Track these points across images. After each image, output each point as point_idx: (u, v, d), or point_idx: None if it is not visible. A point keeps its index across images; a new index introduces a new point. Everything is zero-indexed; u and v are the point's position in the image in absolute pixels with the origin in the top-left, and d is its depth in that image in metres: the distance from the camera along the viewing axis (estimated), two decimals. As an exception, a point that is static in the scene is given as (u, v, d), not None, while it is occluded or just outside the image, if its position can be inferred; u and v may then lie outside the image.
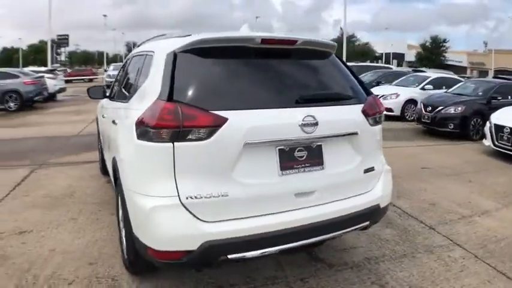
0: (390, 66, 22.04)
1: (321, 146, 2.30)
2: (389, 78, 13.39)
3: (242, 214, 2.09)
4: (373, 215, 2.52)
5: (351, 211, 2.36)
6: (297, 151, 2.22)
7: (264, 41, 2.28)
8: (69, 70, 43.16)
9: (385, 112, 9.76)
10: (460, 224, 3.63)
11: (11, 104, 13.02)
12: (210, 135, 2.01)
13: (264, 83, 2.30)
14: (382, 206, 2.56)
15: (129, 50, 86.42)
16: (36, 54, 64.84)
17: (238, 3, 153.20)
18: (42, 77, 14.79)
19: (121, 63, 26.58)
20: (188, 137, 2.00)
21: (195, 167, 2.03)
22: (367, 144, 2.51)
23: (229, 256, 2.06)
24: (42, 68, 21.92)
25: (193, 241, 2.00)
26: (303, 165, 2.24)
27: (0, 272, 2.74)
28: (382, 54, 53.02)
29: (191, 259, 2.03)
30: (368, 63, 20.97)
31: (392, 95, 11.05)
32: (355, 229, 2.48)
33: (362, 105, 2.50)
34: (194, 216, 2.01)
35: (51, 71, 18.62)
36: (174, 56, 2.21)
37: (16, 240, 3.23)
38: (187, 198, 2.00)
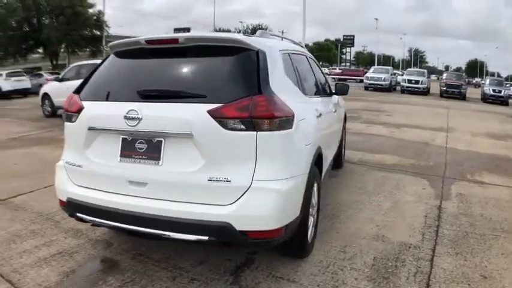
0: None
1: (161, 141, 2.28)
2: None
3: (90, 185, 2.49)
4: (216, 232, 2.12)
5: (183, 216, 2.14)
6: (138, 143, 2.32)
7: (148, 42, 2.50)
8: (337, 69, 46.40)
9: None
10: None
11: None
12: (76, 119, 2.55)
13: (129, 79, 2.53)
14: (238, 228, 2.09)
15: (410, 56, 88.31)
16: (319, 52, 73.82)
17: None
18: None
19: (386, 67, 25.93)
20: (71, 120, 2.60)
21: (71, 142, 2.65)
22: (215, 149, 2.16)
23: (77, 214, 2.53)
24: None
25: (64, 195, 2.59)
26: (140, 157, 2.31)
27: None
28: None
29: (67, 210, 2.64)
30: None
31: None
32: (192, 240, 2.20)
33: (212, 105, 2.15)
34: (68, 176, 2.60)
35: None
36: (107, 57, 2.77)
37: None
38: (66, 162, 2.64)
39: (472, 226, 3.59)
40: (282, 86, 2.42)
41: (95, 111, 2.48)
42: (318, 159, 2.83)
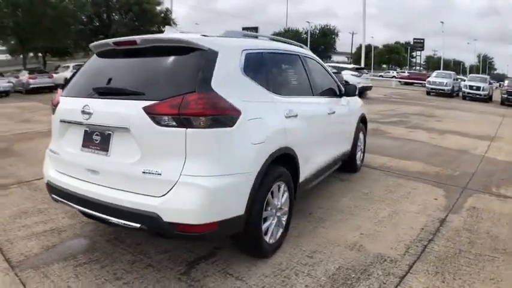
0: None
1: (110, 134, 2.46)
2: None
3: (63, 171, 2.76)
4: (146, 222, 2.25)
5: (121, 204, 2.31)
6: (95, 135, 2.54)
7: (115, 43, 2.71)
8: (406, 73, 44.57)
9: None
10: None
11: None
12: (55, 112, 2.85)
13: (95, 77, 2.74)
14: (166, 220, 2.18)
15: (479, 62, 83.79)
16: (390, 54, 71.37)
17: None
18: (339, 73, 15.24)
19: (449, 71, 25.60)
20: (54, 112, 2.88)
21: (53, 132, 2.92)
22: (149, 143, 2.30)
23: (53, 196, 2.80)
24: (349, 66, 24.46)
25: (46, 178, 2.87)
26: (95, 147, 2.54)
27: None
28: None
29: (48, 192, 2.91)
30: None
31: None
32: (129, 226, 2.34)
33: (148, 102, 2.28)
34: (50, 162, 2.89)
35: (357, 69, 20.49)
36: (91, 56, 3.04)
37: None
38: (49, 150, 2.94)
39: (471, 244, 3.29)
40: (233, 85, 2.46)
41: (65, 105, 2.78)
42: (283, 159, 2.79)
